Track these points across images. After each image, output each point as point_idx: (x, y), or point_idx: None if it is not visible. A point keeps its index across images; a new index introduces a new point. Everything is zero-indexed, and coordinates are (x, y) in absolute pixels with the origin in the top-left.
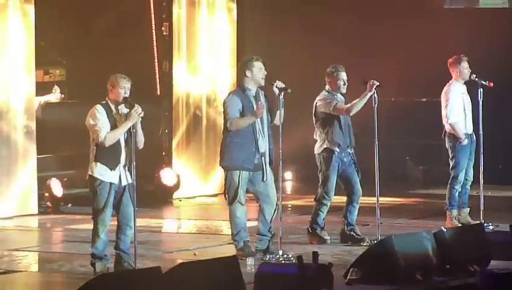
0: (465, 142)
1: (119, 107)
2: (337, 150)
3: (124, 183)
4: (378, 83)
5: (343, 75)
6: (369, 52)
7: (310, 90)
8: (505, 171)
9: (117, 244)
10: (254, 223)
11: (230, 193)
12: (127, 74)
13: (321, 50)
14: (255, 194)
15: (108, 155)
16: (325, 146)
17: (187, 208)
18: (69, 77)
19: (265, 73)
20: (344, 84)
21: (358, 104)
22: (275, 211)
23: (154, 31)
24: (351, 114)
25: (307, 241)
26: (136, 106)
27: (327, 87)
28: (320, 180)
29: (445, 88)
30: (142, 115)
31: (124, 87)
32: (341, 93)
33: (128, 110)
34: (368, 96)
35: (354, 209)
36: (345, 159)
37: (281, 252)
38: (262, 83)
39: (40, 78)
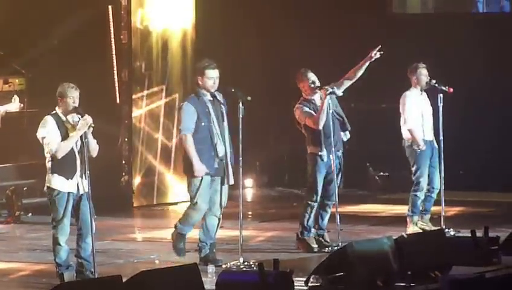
0: (424, 147)
1: (70, 116)
2: (323, 153)
3: (81, 191)
4: (331, 90)
5: (312, 76)
6: (328, 58)
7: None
8: (466, 176)
9: (78, 252)
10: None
11: (191, 197)
12: (86, 82)
13: (281, 55)
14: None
15: (63, 166)
16: (310, 150)
17: (148, 215)
18: (29, 86)
19: (217, 82)
20: (313, 83)
21: (322, 116)
22: (219, 221)
23: (113, 40)
24: (320, 127)
25: (267, 248)
26: (86, 115)
27: (303, 94)
28: (307, 182)
29: (402, 95)
30: (91, 124)
31: (73, 97)
32: (315, 94)
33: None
34: (325, 104)
35: (326, 214)
36: (331, 163)
37: (241, 260)
38: (211, 90)
39: None
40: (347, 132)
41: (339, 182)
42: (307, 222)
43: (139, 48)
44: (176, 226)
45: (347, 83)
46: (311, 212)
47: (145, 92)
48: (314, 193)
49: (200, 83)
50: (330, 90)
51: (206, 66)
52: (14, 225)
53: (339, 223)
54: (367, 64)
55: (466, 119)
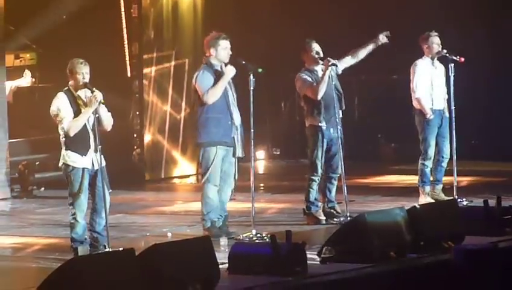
0: (431, 116)
1: (82, 91)
2: (323, 124)
3: (96, 167)
4: (333, 61)
5: (316, 46)
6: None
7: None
8: (479, 146)
9: (92, 226)
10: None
11: (206, 172)
12: (97, 56)
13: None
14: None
15: (77, 142)
16: (309, 122)
17: (160, 188)
18: (40, 61)
19: (230, 53)
20: (317, 54)
21: (322, 86)
22: (232, 191)
23: (123, 13)
24: (319, 97)
25: (280, 220)
26: (95, 91)
27: (306, 65)
28: (308, 156)
29: (413, 64)
30: (101, 100)
31: (82, 72)
32: (318, 65)
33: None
34: (327, 75)
35: (332, 186)
36: (333, 135)
37: (254, 232)
38: (226, 61)
39: (10, 62)
40: (340, 111)
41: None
42: (312, 196)
43: (149, 15)
44: (203, 219)
45: (348, 61)
46: (314, 186)
47: (155, 55)
48: (315, 167)
49: (213, 54)
50: (332, 61)
51: (220, 36)
52: (27, 199)
53: (346, 194)
54: (371, 47)
55: (484, 91)
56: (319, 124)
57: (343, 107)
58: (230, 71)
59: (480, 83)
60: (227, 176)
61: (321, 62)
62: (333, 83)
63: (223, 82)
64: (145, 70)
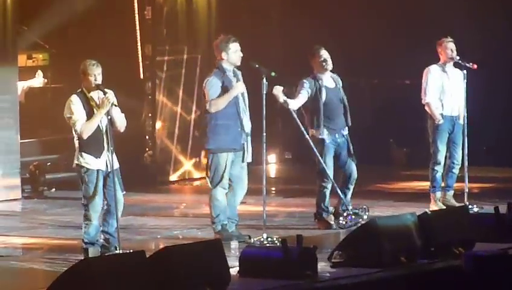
0: (440, 122)
1: (95, 93)
2: (324, 138)
3: (110, 169)
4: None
5: (324, 52)
6: (350, 33)
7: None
8: (490, 152)
9: (104, 227)
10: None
11: (215, 177)
12: (110, 57)
13: (302, 33)
14: (229, 177)
15: (91, 144)
16: (311, 134)
17: (171, 190)
18: (52, 61)
19: (241, 55)
20: (324, 61)
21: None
22: (243, 195)
23: (136, 15)
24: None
25: (290, 224)
26: (108, 93)
27: (314, 71)
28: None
29: (426, 69)
30: (113, 101)
31: (94, 74)
32: (325, 72)
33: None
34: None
35: (348, 191)
36: (339, 141)
37: (265, 236)
38: (238, 63)
39: (23, 62)
40: (346, 128)
41: (354, 158)
42: (323, 202)
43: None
44: (213, 222)
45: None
46: (325, 193)
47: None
48: (324, 174)
49: (225, 58)
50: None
51: (229, 39)
52: (38, 200)
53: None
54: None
55: (497, 99)
56: (320, 137)
57: (349, 124)
58: (237, 88)
59: (498, 88)
60: (240, 180)
61: (329, 70)
62: (340, 93)
63: (228, 96)
64: (158, 72)
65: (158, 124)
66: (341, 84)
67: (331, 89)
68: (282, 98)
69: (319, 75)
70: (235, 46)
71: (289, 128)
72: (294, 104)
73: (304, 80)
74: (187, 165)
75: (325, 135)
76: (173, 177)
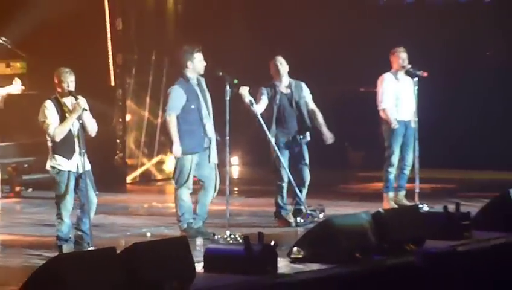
0: (396, 126)
1: (68, 99)
2: (281, 137)
3: (81, 170)
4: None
5: (279, 59)
6: (311, 46)
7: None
8: (439, 155)
9: (78, 225)
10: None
11: (180, 178)
12: (83, 66)
13: (265, 40)
14: (201, 178)
15: (63, 147)
16: (271, 133)
17: (139, 191)
18: (29, 69)
19: (205, 64)
20: (279, 68)
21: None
22: (213, 195)
23: (108, 26)
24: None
25: (252, 222)
26: (79, 99)
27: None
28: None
29: (380, 77)
30: (84, 107)
31: (67, 81)
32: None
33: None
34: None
35: (301, 192)
36: (293, 144)
37: (228, 233)
38: (202, 72)
39: (1, 71)
40: (307, 133)
41: (306, 161)
42: (281, 201)
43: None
44: (179, 220)
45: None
46: (282, 192)
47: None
48: (279, 174)
49: (190, 66)
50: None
51: (194, 50)
52: (15, 199)
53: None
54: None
55: (442, 103)
56: (278, 136)
57: (308, 138)
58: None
59: (442, 95)
60: (210, 180)
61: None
62: (294, 98)
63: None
64: (127, 80)
65: (128, 128)
66: (302, 91)
67: (284, 94)
68: (248, 98)
69: (275, 82)
70: (199, 56)
71: (250, 132)
72: (258, 107)
73: (262, 87)
74: (155, 166)
75: (273, 138)
76: (142, 178)
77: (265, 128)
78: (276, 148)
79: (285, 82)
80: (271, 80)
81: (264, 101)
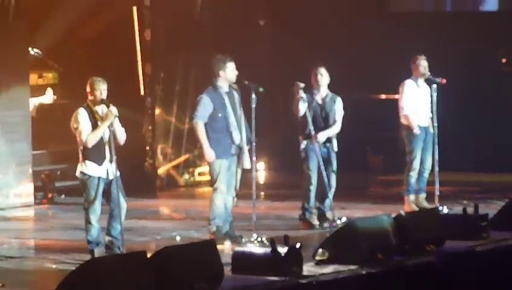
0: (417, 132)
1: (99, 107)
2: (302, 146)
3: (111, 176)
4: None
5: (321, 70)
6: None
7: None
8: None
9: (108, 230)
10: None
11: (213, 182)
12: (113, 75)
13: (289, 49)
14: None
15: (94, 153)
16: (304, 137)
17: (170, 196)
18: (61, 80)
19: (237, 73)
20: (318, 78)
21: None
22: (233, 199)
23: (137, 37)
24: (298, 114)
25: (278, 225)
26: (111, 106)
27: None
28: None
29: (401, 84)
30: (116, 114)
31: (100, 89)
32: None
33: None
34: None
35: (327, 197)
36: (322, 151)
37: (255, 236)
38: (234, 81)
39: (34, 81)
40: (334, 141)
41: (334, 168)
42: (307, 204)
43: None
44: (209, 223)
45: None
46: (310, 195)
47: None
48: (309, 177)
49: (222, 75)
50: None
51: (229, 58)
52: (48, 206)
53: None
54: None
55: (461, 110)
56: (302, 147)
57: (335, 147)
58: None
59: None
60: (229, 186)
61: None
62: (326, 107)
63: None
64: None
65: (158, 136)
66: (335, 104)
67: (318, 104)
68: (302, 94)
69: (314, 90)
70: (231, 65)
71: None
72: (302, 109)
73: (301, 91)
74: (185, 172)
75: (303, 145)
76: (174, 183)
77: (310, 122)
78: (307, 151)
79: (322, 93)
80: (310, 88)
81: (304, 105)
